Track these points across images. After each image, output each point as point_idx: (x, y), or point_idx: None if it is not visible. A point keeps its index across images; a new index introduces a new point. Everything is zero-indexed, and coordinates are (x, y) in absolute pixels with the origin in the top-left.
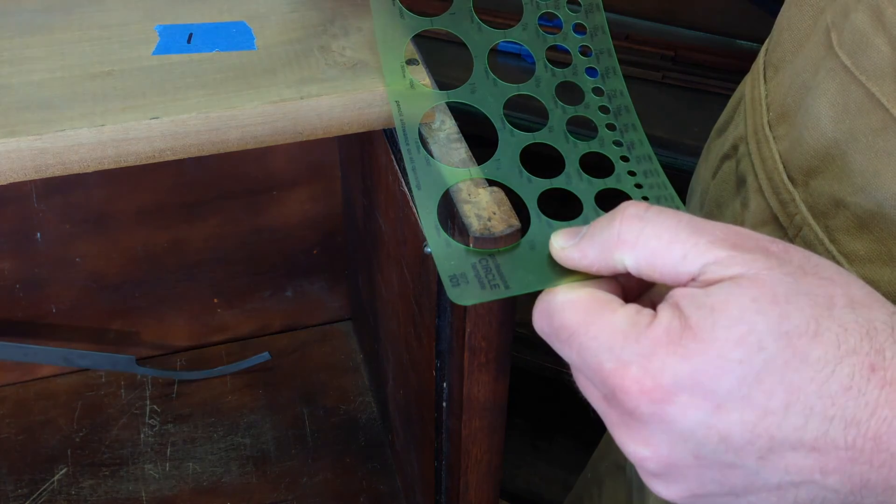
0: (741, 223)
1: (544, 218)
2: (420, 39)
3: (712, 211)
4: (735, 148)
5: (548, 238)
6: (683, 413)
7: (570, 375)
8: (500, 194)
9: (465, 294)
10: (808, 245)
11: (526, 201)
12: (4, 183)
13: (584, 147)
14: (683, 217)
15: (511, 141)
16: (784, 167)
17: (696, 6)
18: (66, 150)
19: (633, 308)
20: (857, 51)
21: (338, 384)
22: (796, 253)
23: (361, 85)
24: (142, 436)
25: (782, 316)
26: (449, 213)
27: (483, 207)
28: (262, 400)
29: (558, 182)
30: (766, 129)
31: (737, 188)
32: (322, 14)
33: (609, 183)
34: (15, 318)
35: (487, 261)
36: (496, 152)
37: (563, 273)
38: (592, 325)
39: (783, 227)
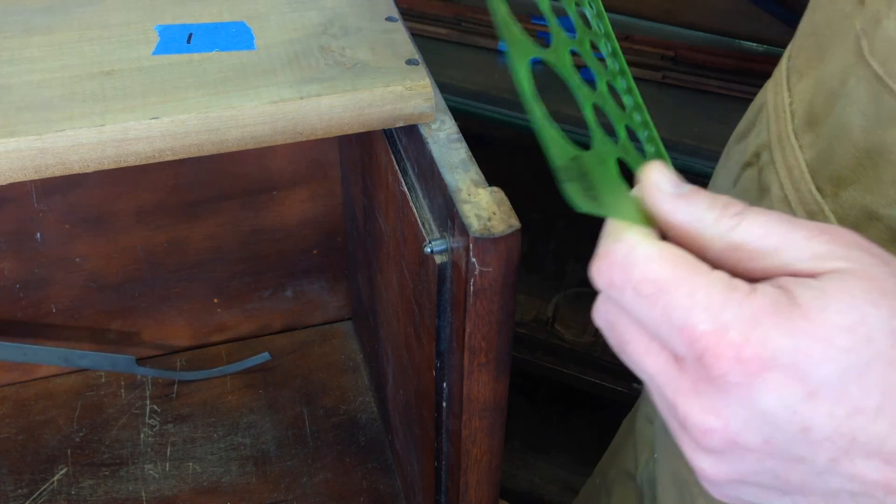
0: None
1: (600, 132)
2: (420, 40)
3: None
4: (757, 156)
5: (612, 154)
6: (773, 391)
7: (571, 375)
8: (500, 194)
9: (577, 194)
10: None
11: (582, 105)
12: (4, 183)
13: (622, 118)
14: (775, 215)
15: (560, 38)
16: (811, 177)
17: (696, 6)
18: (66, 150)
19: (725, 273)
20: (891, 59)
21: (338, 384)
22: (889, 255)
23: (361, 85)
24: (142, 436)
25: (893, 312)
26: (449, 213)
27: (483, 207)
28: (262, 400)
29: (599, 100)
30: (792, 137)
31: (759, 197)
32: (322, 14)
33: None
34: (15, 318)
35: (579, 160)
36: (551, 44)
37: (635, 215)
38: (686, 281)
39: None
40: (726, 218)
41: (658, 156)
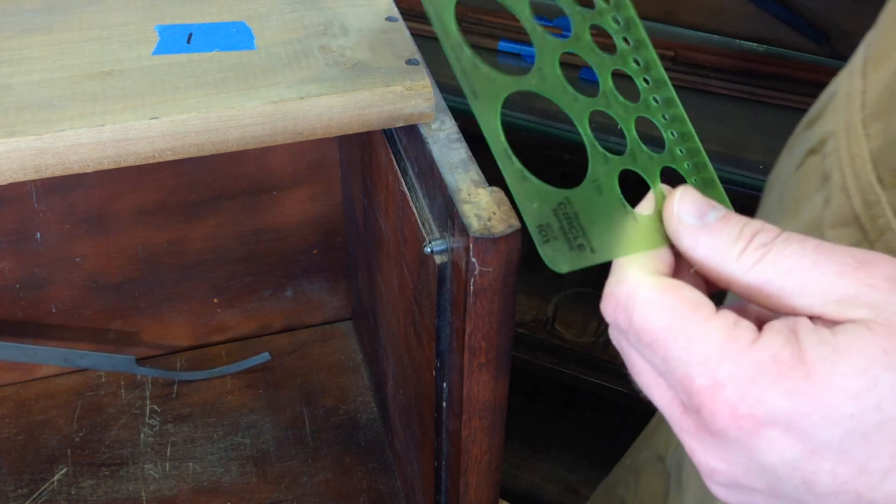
0: (820, 221)
1: (600, 149)
2: (420, 40)
3: (790, 207)
4: (823, 143)
5: (614, 172)
6: (771, 448)
7: (571, 375)
8: (500, 194)
9: (558, 255)
10: (891, 251)
11: (576, 122)
12: (4, 183)
13: (633, 110)
14: (809, 244)
15: (547, 47)
16: (873, 167)
17: (697, 6)
18: (66, 150)
19: (729, 317)
20: None
21: (338, 384)
22: None
23: (361, 85)
24: (142, 436)
25: None
26: (449, 213)
27: (483, 207)
28: (262, 400)
29: (600, 104)
30: (859, 125)
31: (820, 184)
32: (322, 14)
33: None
34: (15, 318)
35: (566, 205)
36: (535, 62)
37: (643, 237)
38: (682, 333)
39: (865, 229)
40: (750, 251)
41: (694, 163)
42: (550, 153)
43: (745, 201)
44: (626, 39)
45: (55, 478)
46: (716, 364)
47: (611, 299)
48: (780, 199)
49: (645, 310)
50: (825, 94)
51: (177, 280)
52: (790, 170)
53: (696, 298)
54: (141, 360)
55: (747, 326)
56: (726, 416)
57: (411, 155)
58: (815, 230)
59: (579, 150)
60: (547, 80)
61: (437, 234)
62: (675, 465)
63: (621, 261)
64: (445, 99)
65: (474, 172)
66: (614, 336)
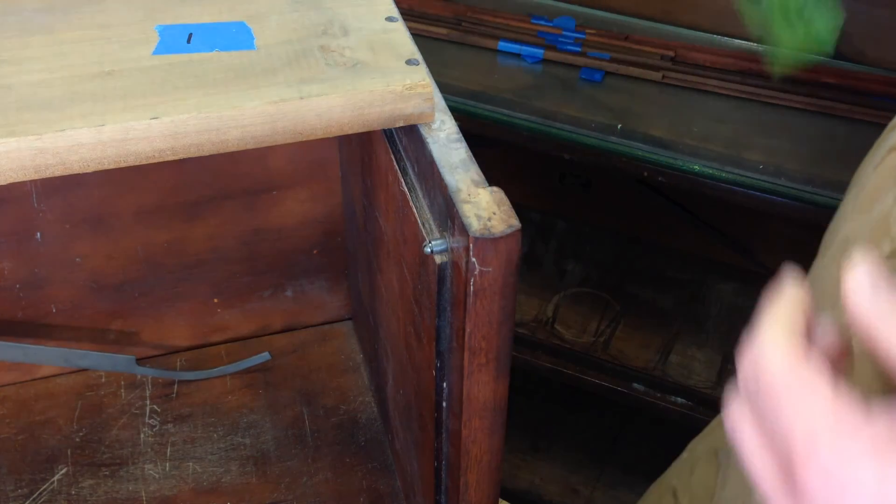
0: (889, 217)
1: None
2: (420, 40)
3: (863, 204)
4: None
5: None
6: None
7: (571, 375)
8: (500, 194)
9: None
10: None
11: None
12: (4, 183)
13: None
14: None
15: None
16: None
17: (696, 6)
18: (66, 150)
19: (848, 393)
20: None
21: (338, 384)
22: None
23: (361, 85)
24: (142, 436)
25: None
26: (449, 213)
27: (483, 207)
28: (262, 400)
29: None
30: None
31: (895, 181)
32: (322, 14)
33: None
34: (15, 318)
35: None
36: None
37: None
38: (803, 394)
39: None
40: None
41: None
42: (550, 153)
43: (746, 201)
44: None
45: (55, 478)
46: (824, 431)
47: (750, 351)
48: (855, 196)
49: (775, 362)
50: None
51: (177, 280)
52: (870, 168)
53: (824, 367)
54: (141, 360)
55: (862, 407)
56: (820, 483)
57: (411, 155)
58: (883, 226)
59: (579, 150)
60: None
61: (437, 234)
62: (725, 457)
63: (766, 322)
64: (445, 99)
65: (474, 172)
66: (734, 406)
